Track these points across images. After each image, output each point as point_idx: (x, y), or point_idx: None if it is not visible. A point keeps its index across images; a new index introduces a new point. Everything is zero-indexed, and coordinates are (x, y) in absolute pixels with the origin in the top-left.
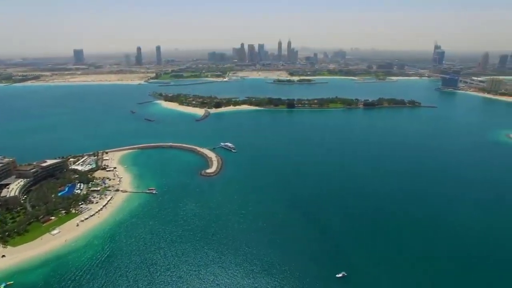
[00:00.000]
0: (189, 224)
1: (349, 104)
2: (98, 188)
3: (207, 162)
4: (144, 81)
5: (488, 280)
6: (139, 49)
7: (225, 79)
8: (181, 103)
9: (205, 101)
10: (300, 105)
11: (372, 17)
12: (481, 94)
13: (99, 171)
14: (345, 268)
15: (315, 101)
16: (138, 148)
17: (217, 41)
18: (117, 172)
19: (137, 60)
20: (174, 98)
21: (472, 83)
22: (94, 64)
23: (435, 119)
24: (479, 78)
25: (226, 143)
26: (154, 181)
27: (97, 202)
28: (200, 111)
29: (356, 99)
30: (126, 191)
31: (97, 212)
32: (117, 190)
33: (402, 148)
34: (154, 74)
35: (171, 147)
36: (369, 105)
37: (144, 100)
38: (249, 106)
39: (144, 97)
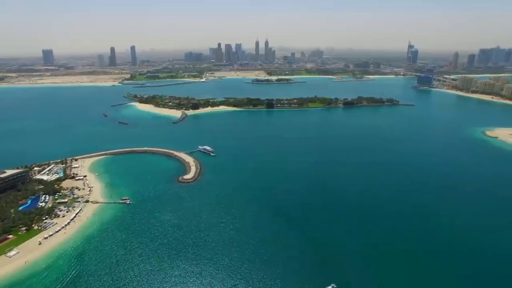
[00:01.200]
0: (165, 236)
1: (328, 103)
2: (66, 200)
3: (184, 168)
4: (118, 83)
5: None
6: (112, 49)
7: (202, 80)
8: (157, 105)
9: (182, 103)
10: (279, 105)
11: (347, 17)
12: (454, 92)
13: (67, 180)
14: (334, 280)
15: (295, 100)
16: (111, 153)
17: (194, 41)
18: (87, 181)
19: (111, 60)
20: (149, 99)
21: (445, 81)
22: (65, 65)
23: (413, 117)
24: (451, 76)
25: (204, 147)
26: (128, 190)
27: (63, 216)
28: (176, 113)
29: (335, 98)
30: (97, 202)
31: (63, 227)
32: (87, 201)
33: (385, 147)
34: (128, 75)
35: (146, 152)
36: (348, 104)
37: (118, 102)
38: (227, 107)
39: (118, 99)
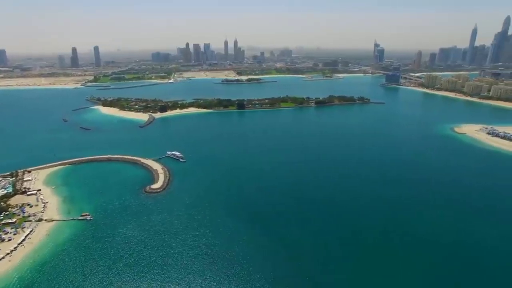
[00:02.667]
0: (131, 256)
1: (300, 102)
2: (14, 220)
3: (152, 176)
4: (81, 85)
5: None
6: (74, 49)
7: (170, 81)
8: (122, 108)
9: (149, 105)
10: (250, 105)
11: (315, 17)
12: (420, 89)
13: (16, 196)
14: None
15: (266, 100)
16: (71, 163)
17: (162, 41)
18: (41, 196)
19: (73, 61)
20: (114, 102)
21: (411, 79)
22: (20, 66)
23: (385, 115)
24: (416, 74)
25: (173, 152)
26: (88, 204)
27: (9, 240)
28: (143, 116)
29: (307, 97)
30: (52, 220)
31: (8, 253)
32: (40, 219)
33: (358, 145)
34: (92, 77)
35: (110, 160)
36: (320, 103)
37: (79, 106)
38: (197, 109)
39: (80, 103)
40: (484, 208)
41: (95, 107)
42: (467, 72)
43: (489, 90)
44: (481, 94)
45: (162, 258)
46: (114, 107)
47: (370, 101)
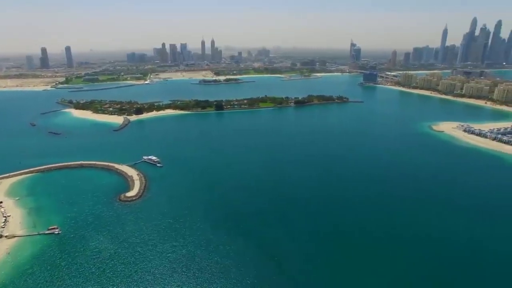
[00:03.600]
0: (104, 272)
1: (279, 103)
2: None
3: (127, 183)
4: (51, 87)
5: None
6: (44, 50)
7: (146, 82)
8: (96, 110)
9: (124, 107)
10: (229, 106)
11: (291, 16)
12: (397, 88)
13: None
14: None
15: (245, 101)
16: (38, 171)
17: (137, 41)
18: (2, 209)
19: (43, 62)
20: (87, 105)
21: (388, 78)
22: None
23: (364, 114)
24: (392, 73)
25: (149, 157)
26: (57, 216)
27: None
28: (118, 119)
29: (286, 97)
30: (15, 236)
31: None
32: (0, 236)
33: (339, 144)
34: (63, 79)
35: (82, 166)
36: (299, 103)
37: (49, 109)
38: (174, 111)
39: (50, 106)
40: (465, 204)
41: (67, 110)
42: (440, 71)
43: (461, 88)
44: (455, 92)
45: (138, 273)
46: (86, 110)
47: (349, 100)
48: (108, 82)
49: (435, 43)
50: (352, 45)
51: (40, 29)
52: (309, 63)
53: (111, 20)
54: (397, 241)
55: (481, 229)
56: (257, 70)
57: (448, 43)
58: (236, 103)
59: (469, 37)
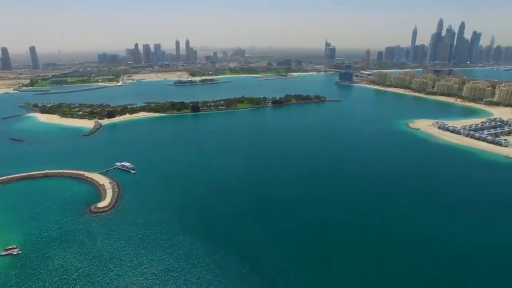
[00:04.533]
0: None
1: (257, 103)
2: None
3: (98, 192)
4: (14, 89)
5: None
6: (5, 50)
7: (119, 83)
8: (64, 114)
9: (95, 111)
10: (206, 107)
11: (265, 16)
12: (372, 86)
13: None
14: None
15: (222, 102)
16: None
17: (108, 41)
18: None
19: (4, 63)
20: (54, 109)
21: (363, 76)
22: None
23: (342, 112)
24: (366, 72)
25: (123, 163)
26: (17, 234)
27: None
28: (88, 124)
29: (263, 97)
30: None
31: None
32: None
33: (318, 143)
34: (28, 81)
35: (47, 175)
36: (277, 103)
37: (11, 114)
38: (148, 113)
39: (12, 110)
40: (443, 199)
41: (31, 114)
42: (412, 70)
43: (433, 86)
44: (427, 90)
45: None
46: (54, 114)
47: (327, 99)
48: (77, 84)
49: (406, 43)
50: (327, 44)
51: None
52: (285, 63)
53: (81, 20)
54: (374, 236)
55: (458, 222)
56: (233, 70)
57: (418, 43)
58: (212, 104)
59: (437, 38)
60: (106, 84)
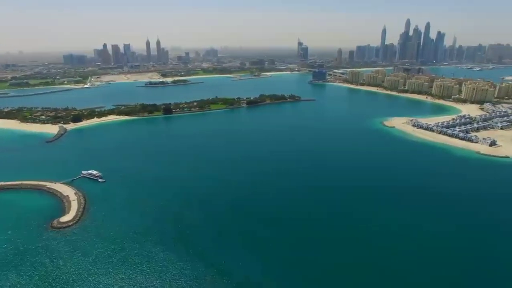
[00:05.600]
0: None
1: (231, 103)
2: None
3: (62, 205)
4: None
5: None
6: None
7: (86, 85)
8: (24, 119)
9: (59, 115)
10: (178, 109)
11: (237, 16)
12: (345, 85)
13: None
14: None
15: (195, 103)
16: None
17: (75, 42)
18: None
19: None
20: (13, 113)
21: (336, 75)
22: None
23: (317, 112)
24: (339, 71)
25: (90, 171)
26: None
27: None
28: (52, 129)
29: (238, 98)
30: None
31: None
32: None
33: (294, 142)
34: None
35: (2, 188)
36: (252, 103)
37: None
38: (118, 117)
39: None
40: (421, 194)
41: None
42: (383, 68)
43: (404, 84)
44: (399, 88)
45: None
46: (13, 118)
47: (301, 99)
48: (41, 87)
49: (376, 42)
50: (299, 44)
51: None
52: (258, 62)
53: (44, 18)
54: (345, 231)
55: (434, 218)
56: (206, 71)
57: (387, 42)
58: (185, 106)
59: (405, 37)
60: (73, 86)
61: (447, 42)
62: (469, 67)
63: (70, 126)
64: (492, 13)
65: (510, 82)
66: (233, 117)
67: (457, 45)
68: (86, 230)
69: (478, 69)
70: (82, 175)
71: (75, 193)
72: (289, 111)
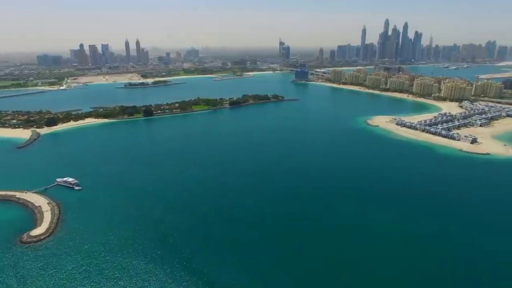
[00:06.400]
0: None
1: (214, 104)
2: None
3: (33, 217)
4: None
5: None
6: None
7: (62, 87)
8: None
9: (32, 119)
10: (159, 111)
11: (218, 16)
12: (328, 84)
13: None
14: None
15: (176, 104)
16: None
17: (50, 42)
18: None
19: None
20: None
21: (318, 74)
22: None
23: (301, 111)
24: (321, 70)
25: (65, 178)
26: None
27: None
28: (24, 134)
29: (220, 98)
30: None
31: None
32: None
33: (279, 143)
34: None
35: None
36: (235, 104)
37: None
38: (96, 120)
39: None
40: (407, 192)
41: None
42: (364, 67)
43: (386, 83)
44: (380, 87)
45: None
46: None
47: (285, 99)
48: (11, 89)
49: (356, 42)
50: (281, 43)
51: None
52: (240, 62)
53: (18, 17)
54: (330, 232)
55: (420, 217)
56: (187, 71)
57: (367, 42)
58: (167, 107)
59: (384, 37)
60: (47, 88)
61: (424, 42)
62: (445, 66)
63: (44, 130)
64: (466, 14)
65: (485, 81)
66: (216, 119)
67: (433, 45)
68: (60, 244)
69: (454, 67)
70: (56, 183)
71: (48, 203)
72: (273, 111)
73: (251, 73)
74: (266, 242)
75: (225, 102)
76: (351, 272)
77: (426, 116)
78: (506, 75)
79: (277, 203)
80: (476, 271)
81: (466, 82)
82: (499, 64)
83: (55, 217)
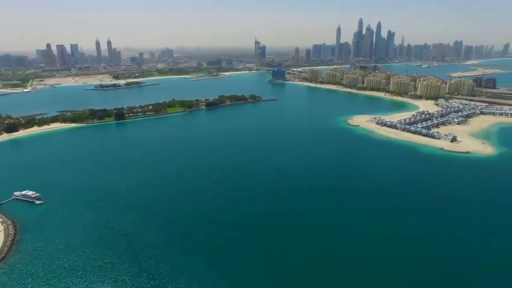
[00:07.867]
0: None
1: (189, 106)
2: None
3: None
4: None
5: None
6: None
7: (26, 90)
8: None
9: None
10: (132, 114)
11: (192, 16)
12: (305, 83)
13: None
14: None
15: (150, 107)
16: None
17: (14, 41)
18: None
19: None
20: None
21: (295, 74)
22: None
23: (279, 112)
24: (298, 69)
25: (24, 192)
26: None
27: None
28: None
29: (196, 99)
30: None
31: None
32: None
33: (259, 144)
34: None
35: None
36: (211, 105)
37: None
38: (63, 124)
39: None
40: (390, 193)
41: None
42: (340, 66)
43: (363, 82)
44: (358, 85)
45: None
46: None
47: (262, 99)
48: None
49: (331, 41)
50: (257, 43)
51: None
52: (216, 62)
53: None
54: (311, 232)
55: (406, 217)
56: (161, 72)
57: (342, 41)
58: (140, 110)
59: (358, 36)
60: (9, 90)
61: (397, 41)
62: (418, 64)
63: (3, 137)
64: (435, 13)
65: (458, 79)
66: (192, 121)
67: (405, 44)
68: (14, 269)
69: (426, 66)
70: (14, 197)
71: (2, 222)
72: (250, 112)
73: (227, 73)
74: (247, 243)
75: (201, 104)
76: (336, 271)
77: (405, 115)
78: (474, 73)
79: (257, 204)
80: (463, 270)
81: (441, 81)
82: (467, 63)
83: (9, 238)
